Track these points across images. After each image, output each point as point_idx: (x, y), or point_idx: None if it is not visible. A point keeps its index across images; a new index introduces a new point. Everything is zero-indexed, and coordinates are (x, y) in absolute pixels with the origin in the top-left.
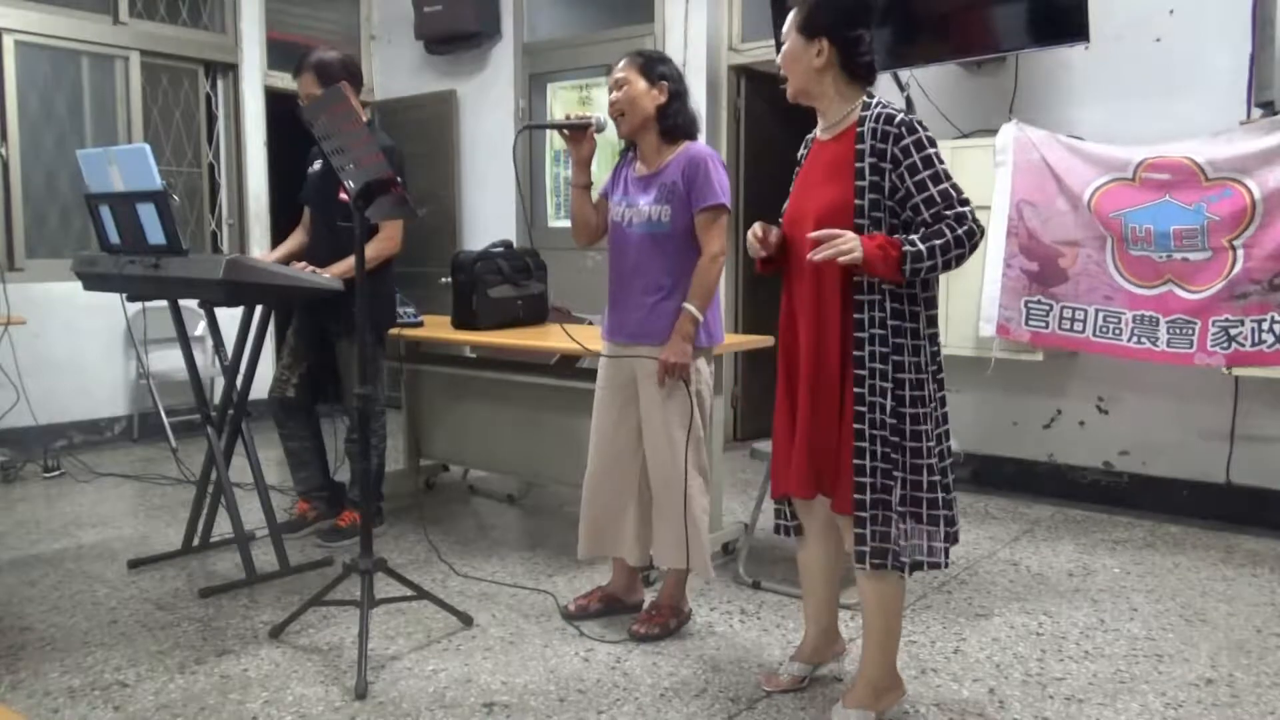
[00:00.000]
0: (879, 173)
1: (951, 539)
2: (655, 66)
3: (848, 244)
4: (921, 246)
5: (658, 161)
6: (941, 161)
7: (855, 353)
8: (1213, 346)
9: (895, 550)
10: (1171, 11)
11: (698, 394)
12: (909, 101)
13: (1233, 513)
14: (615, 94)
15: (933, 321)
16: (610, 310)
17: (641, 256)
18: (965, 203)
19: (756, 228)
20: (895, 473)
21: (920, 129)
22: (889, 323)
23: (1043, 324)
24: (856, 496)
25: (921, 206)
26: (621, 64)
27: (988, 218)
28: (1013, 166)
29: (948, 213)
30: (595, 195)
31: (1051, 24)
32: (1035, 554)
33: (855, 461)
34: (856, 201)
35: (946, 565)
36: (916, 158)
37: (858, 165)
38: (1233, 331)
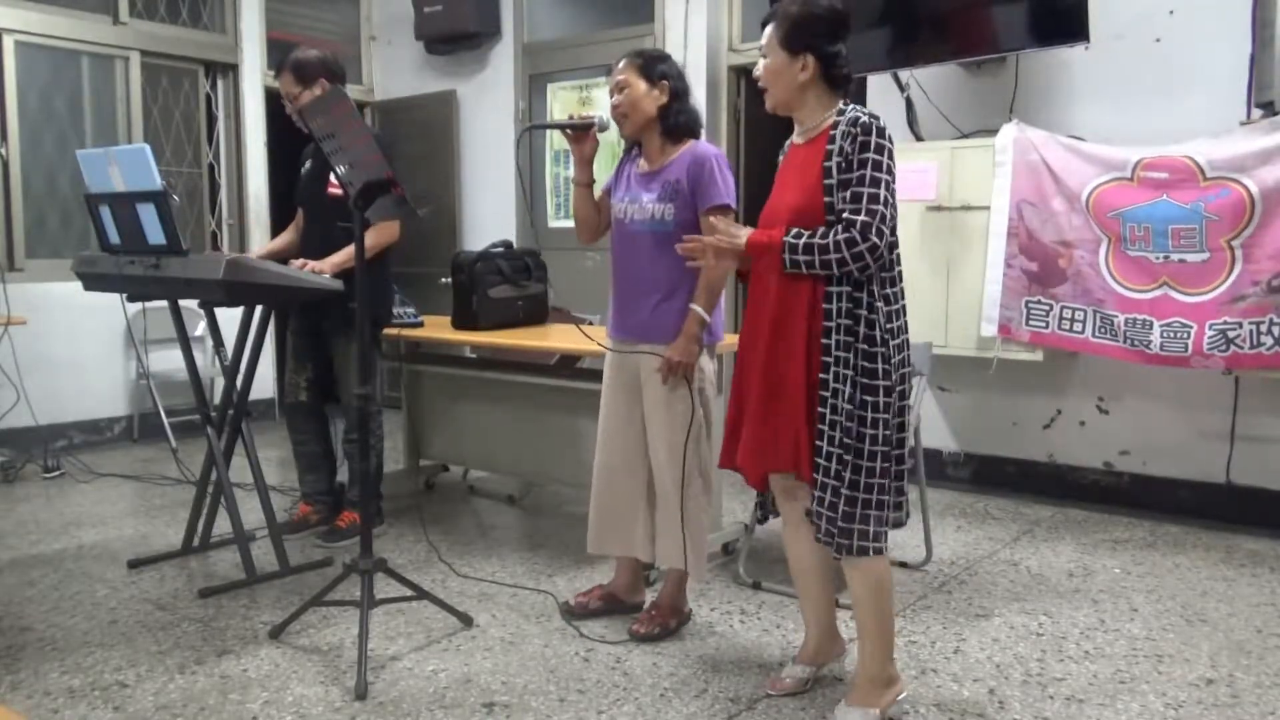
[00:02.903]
0: (841, 171)
1: (895, 524)
2: (655, 66)
3: (738, 236)
4: (800, 241)
5: (662, 159)
6: (883, 171)
7: (823, 340)
8: (1209, 349)
9: (839, 533)
10: (1171, 11)
11: (700, 392)
12: (909, 102)
13: (1233, 513)
14: (617, 97)
15: (895, 316)
16: (614, 308)
17: (643, 255)
18: (873, 214)
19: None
20: (846, 457)
21: (880, 136)
22: (855, 312)
23: (1043, 324)
24: (816, 477)
25: (837, 201)
26: (621, 65)
27: (987, 218)
28: (1012, 167)
29: (847, 215)
30: (598, 193)
31: (1051, 24)
32: (1035, 554)
33: (816, 443)
34: (826, 199)
35: (885, 550)
36: (860, 156)
37: (825, 165)
38: (1231, 334)
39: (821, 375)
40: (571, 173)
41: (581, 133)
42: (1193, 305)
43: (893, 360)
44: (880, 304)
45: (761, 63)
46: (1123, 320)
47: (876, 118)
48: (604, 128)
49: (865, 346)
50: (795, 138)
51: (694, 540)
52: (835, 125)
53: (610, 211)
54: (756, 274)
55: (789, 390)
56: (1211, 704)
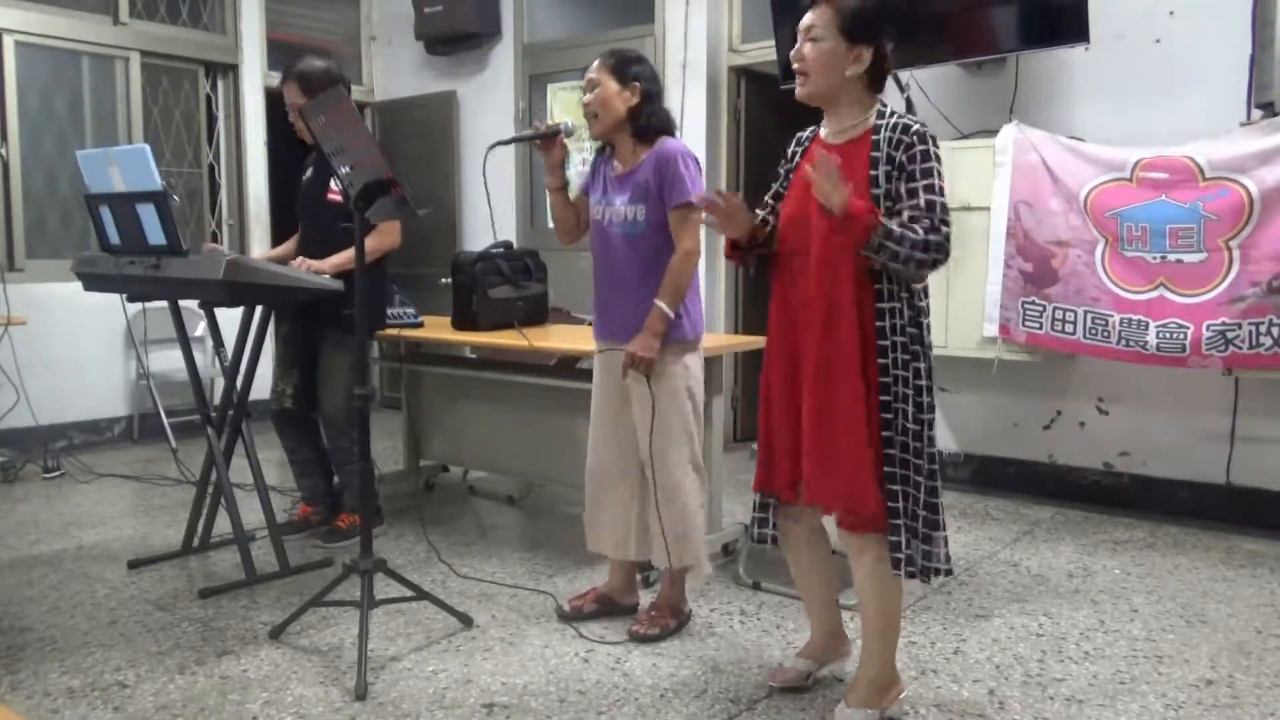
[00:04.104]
0: (890, 180)
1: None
2: (628, 67)
3: (842, 188)
4: (897, 229)
5: (633, 161)
6: (941, 178)
7: (880, 360)
8: (1208, 350)
9: (927, 564)
10: (1171, 12)
11: (688, 390)
12: (909, 102)
13: (1233, 513)
14: (587, 95)
15: (929, 329)
16: (596, 309)
17: (621, 256)
18: (945, 224)
19: (718, 193)
20: (917, 479)
21: (932, 143)
22: (909, 330)
23: (1037, 325)
24: (890, 505)
25: (906, 209)
26: (595, 64)
27: (987, 218)
28: (1011, 167)
29: (925, 221)
30: (575, 193)
31: (1051, 25)
32: (1035, 555)
33: (886, 469)
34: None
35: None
36: (919, 166)
37: (872, 173)
38: (1230, 335)
39: (883, 397)
40: (546, 179)
41: (549, 140)
42: (1189, 306)
43: (931, 376)
44: (924, 318)
45: (809, 46)
46: (1118, 320)
47: (925, 125)
48: (570, 133)
49: (920, 365)
50: (826, 135)
51: (696, 534)
52: (877, 129)
53: (588, 212)
54: (785, 280)
55: (846, 425)
56: (1211, 705)
